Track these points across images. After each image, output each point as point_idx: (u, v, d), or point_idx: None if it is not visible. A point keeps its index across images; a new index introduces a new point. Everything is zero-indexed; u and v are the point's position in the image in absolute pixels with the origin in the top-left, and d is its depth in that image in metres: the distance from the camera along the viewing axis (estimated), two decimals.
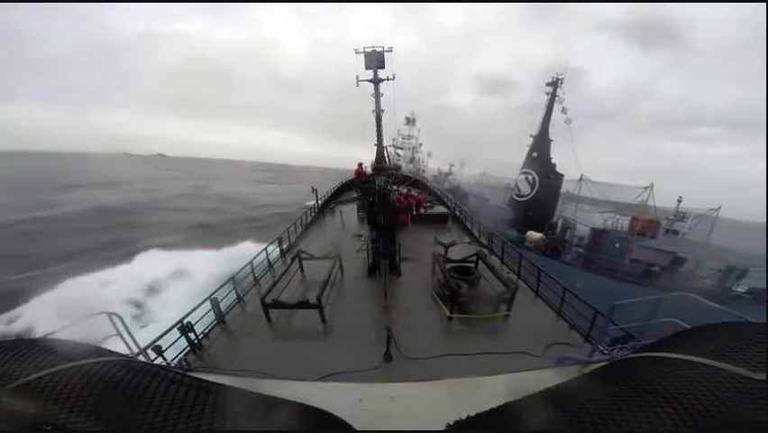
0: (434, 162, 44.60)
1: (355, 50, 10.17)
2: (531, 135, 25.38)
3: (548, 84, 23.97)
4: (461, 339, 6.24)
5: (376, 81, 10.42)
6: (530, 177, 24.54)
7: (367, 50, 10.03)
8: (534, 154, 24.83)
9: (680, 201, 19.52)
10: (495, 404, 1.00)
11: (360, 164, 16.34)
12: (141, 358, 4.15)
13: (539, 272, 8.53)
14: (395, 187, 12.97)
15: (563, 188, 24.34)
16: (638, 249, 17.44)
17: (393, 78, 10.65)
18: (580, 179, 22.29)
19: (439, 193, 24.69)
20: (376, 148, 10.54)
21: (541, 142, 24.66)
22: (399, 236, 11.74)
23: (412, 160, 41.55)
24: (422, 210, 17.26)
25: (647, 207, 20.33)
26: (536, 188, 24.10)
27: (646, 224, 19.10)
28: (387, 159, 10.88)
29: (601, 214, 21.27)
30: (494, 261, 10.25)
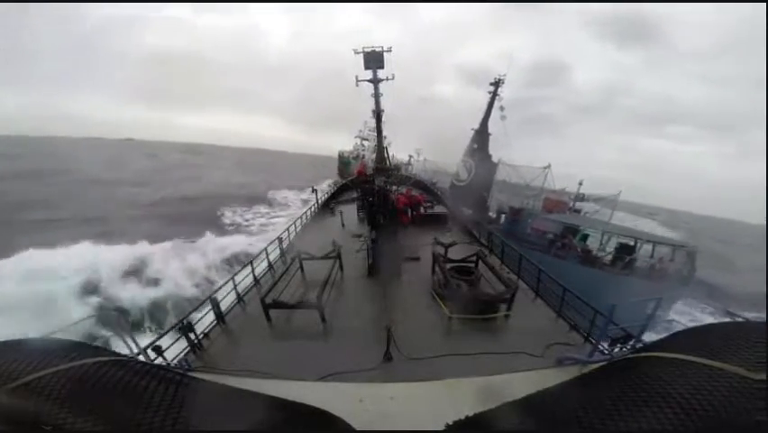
0: (403, 152, 45.31)
1: (354, 50, 10.17)
2: (472, 129, 28.62)
3: (491, 84, 26.81)
4: (461, 339, 6.23)
5: (375, 81, 10.42)
6: (468, 164, 28.00)
7: (366, 50, 10.03)
8: (475, 146, 28.15)
9: (580, 184, 24.13)
10: (495, 404, 1.00)
11: (362, 164, 16.40)
12: (141, 358, 4.16)
13: (539, 272, 8.53)
14: (395, 187, 12.98)
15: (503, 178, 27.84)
16: (538, 220, 21.77)
17: (393, 78, 10.66)
18: (498, 162, 26.49)
19: (439, 193, 24.87)
20: (376, 148, 10.55)
21: (481, 135, 28.04)
22: (399, 236, 11.73)
23: (374, 150, 42.08)
24: (422, 210, 17.27)
25: (564, 191, 24.93)
26: (472, 174, 27.22)
27: (555, 204, 23.87)
28: (387, 159, 10.88)
29: (525, 195, 25.55)
30: (494, 261, 10.24)
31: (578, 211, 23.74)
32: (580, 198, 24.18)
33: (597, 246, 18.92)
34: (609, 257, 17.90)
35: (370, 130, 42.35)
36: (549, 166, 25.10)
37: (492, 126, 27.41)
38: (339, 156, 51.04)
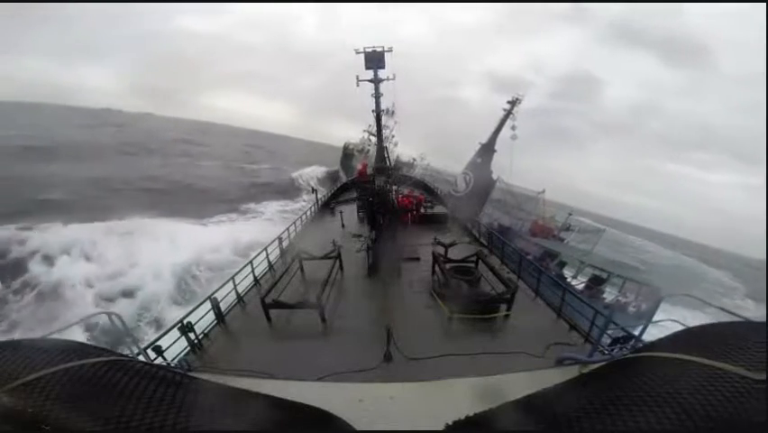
0: (415, 151, 45.20)
1: (356, 50, 10.17)
2: (479, 143, 28.64)
3: (508, 102, 26.66)
4: (461, 339, 6.23)
5: (376, 81, 10.42)
6: (467, 177, 28.06)
7: (367, 50, 10.03)
8: (479, 160, 28.22)
9: (570, 215, 25.68)
10: (494, 404, 1.00)
11: (363, 164, 16.42)
12: (141, 358, 4.16)
13: (539, 272, 8.53)
14: (395, 187, 12.98)
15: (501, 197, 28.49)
16: (523, 242, 22.31)
17: (393, 78, 10.65)
18: (497, 180, 26.94)
19: (440, 193, 24.91)
20: (376, 148, 10.55)
21: (486, 151, 28.09)
22: (399, 236, 11.71)
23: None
24: (422, 210, 17.27)
25: (551, 217, 26.20)
26: (470, 187, 27.39)
27: (541, 229, 24.62)
28: (387, 159, 10.88)
29: (516, 217, 26.39)
30: (494, 261, 10.24)
31: (562, 240, 24.74)
32: (566, 227, 25.59)
33: (571, 274, 20.17)
34: (581, 286, 19.16)
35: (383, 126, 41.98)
36: (543, 191, 26.35)
37: (500, 144, 27.42)
38: (344, 147, 50.95)
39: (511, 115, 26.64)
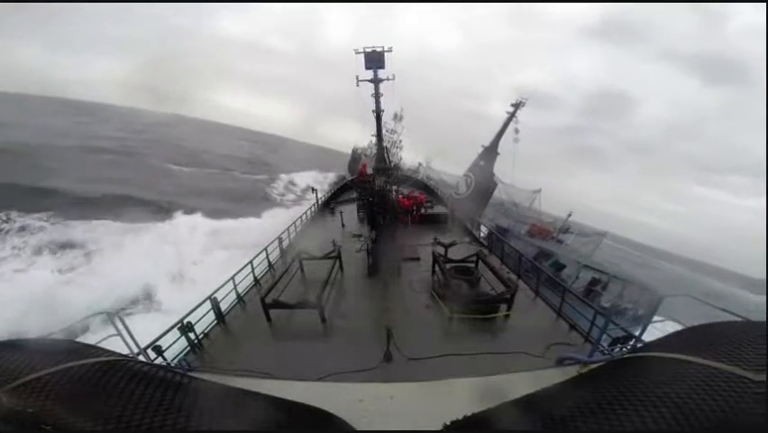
0: (418, 157, 45.32)
1: (355, 50, 10.19)
2: (482, 146, 28.70)
3: (512, 105, 26.72)
4: (461, 339, 6.23)
5: (376, 81, 10.43)
6: (469, 179, 28.17)
7: (367, 50, 10.05)
8: (481, 162, 28.27)
9: (569, 216, 25.73)
10: (494, 404, 1.00)
11: (363, 164, 16.45)
12: (141, 358, 4.16)
13: (539, 272, 8.53)
14: (395, 187, 12.99)
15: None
16: (516, 242, 21.97)
17: (393, 78, 10.67)
18: (495, 184, 27.09)
19: (440, 194, 24.95)
20: (376, 148, 10.57)
21: (489, 153, 28.07)
22: (399, 236, 11.71)
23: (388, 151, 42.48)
24: (422, 210, 17.27)
25: (550, 220, 26.37)
26: (471, 188, 27.49)
27: (540, 230, 24.75)
28: (387, 159, 10.89)
29: (514, 219, 26.56)
30: (494, 261, 10.24)
31: (560, 242, 24.63)
32: (564, 229, 25.44)
33: (572, 277, 19.86)
34: (581, 289, 18.79)
35: (387, 131, 42.13)
36: (539, 190, 26.72)
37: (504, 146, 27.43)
38: (353, 151, 51.27)
39: (514, 119, 26.74)
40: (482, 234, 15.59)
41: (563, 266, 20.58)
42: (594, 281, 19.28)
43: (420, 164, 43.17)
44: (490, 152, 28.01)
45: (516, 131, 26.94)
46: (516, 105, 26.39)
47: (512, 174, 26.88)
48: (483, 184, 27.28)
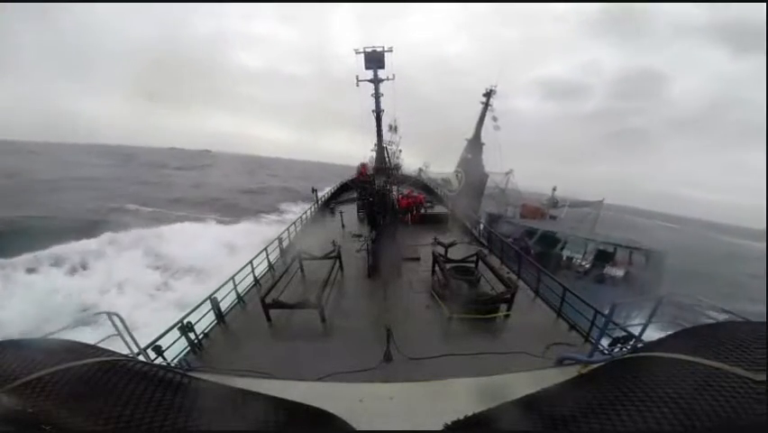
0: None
1: (355, 50, 10.18)
2: (466, 139, 28.78)
3: (484, 94, 26.99)
4: (461, 339, 6.23)
5: (376, 81, 10.42)
6: (459, 174, 28.28)
7: (367, 50, 10.03)
8: (469, 156, 28.32)
9: (554, 190, 25.41)
10: (494, 404, 1.00)
11: (363, 165, 16.44)
12: (141, 358, 4.16)
13: (539, 272, 8.53)
14: (395, 187, 12.98)
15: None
16: (501, 224, 22.57)
17: (393, 78, 10.66)
18: (486, 176, 27.57)
19: (440, 194, 24.96)
20: (376, 148, 10.56)
21: (474, 145, 28.11)
22: (399, 236, 11.71)
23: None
24: (422, 210, 17.29)
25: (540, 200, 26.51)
26: (462, 183, 27.60)
27: (532, 211, 24.86)
28: (387, 159, 10.89)
29: (506, 204, 26.79)
30: (494, 261, 10.24)
31: (554, 218, 24.36)
32: (554, 203, 25.22)
33: (579, 255, 19.24)
34: (588, 265, 18.38)
35: (385, 143, 42.22)
36: (511, 171, 27.40)
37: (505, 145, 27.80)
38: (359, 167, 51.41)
39: (490, 107, 27.00)
40: (481, 228, 15.68)
41: (555, 239, 19.89)
42: (600, 254, 18.70)
43: (421, 169, 43.93)
44: (475, 143, 28.30)
45: (495, 118, 27.33)
46: (488, 94, 26.63)
47: (500, 162, 27.32)
48: (475, 177, 27.45)
